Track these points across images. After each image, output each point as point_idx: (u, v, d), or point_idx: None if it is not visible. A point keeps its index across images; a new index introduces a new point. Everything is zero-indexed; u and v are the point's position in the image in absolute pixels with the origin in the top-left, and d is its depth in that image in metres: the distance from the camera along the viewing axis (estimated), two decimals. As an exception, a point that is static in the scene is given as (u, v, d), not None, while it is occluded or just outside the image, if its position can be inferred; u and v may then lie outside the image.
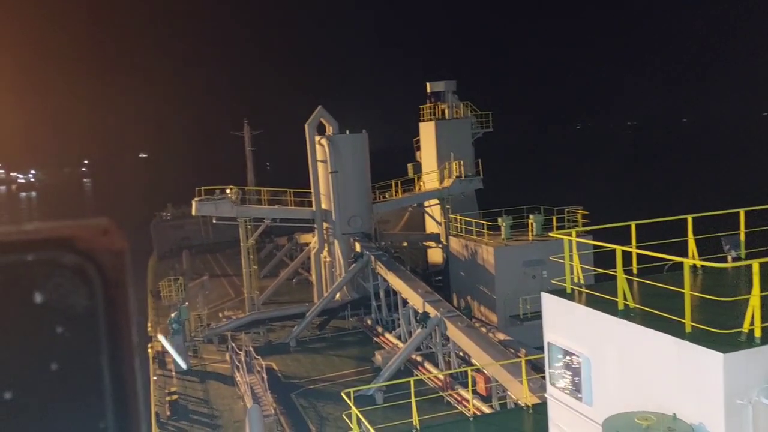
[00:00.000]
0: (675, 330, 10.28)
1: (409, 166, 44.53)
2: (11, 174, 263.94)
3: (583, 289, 12.87)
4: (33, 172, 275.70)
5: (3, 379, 0.61)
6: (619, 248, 12.04)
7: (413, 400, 16.91)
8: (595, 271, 16.46)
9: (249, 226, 38.87)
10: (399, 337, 30.67)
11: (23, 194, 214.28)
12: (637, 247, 12.73)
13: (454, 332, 25.30)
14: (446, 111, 42.47)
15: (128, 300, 0.67)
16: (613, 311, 11.68)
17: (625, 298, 11.74)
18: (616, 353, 11.67)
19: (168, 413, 25.61)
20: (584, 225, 30.54)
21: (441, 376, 25.38)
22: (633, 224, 13.55)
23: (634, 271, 13.33)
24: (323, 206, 37.79)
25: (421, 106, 43.04)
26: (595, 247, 17.03)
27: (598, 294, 12.40)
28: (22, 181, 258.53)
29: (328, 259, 37.74)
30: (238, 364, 27.89)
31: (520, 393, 18.68)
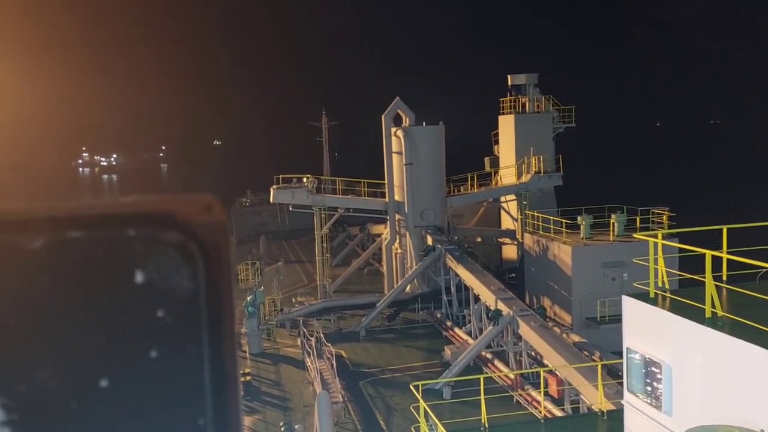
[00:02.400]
0: (767, 341, 9.67)
1: (486, 159, 43.92)
2: (95, 157, 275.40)
3: (668, 294, 12.31)
4: (114, 155, 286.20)
5: (99, 366, 0.57)
6: (709, 252, 11.43)
7: (482, 397, 16.67)
8: (680, 275, 15.72)
9: (323, 215, 39.36)
10: (469, 333, 30.37)
11: (105, 177, 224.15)
12: (728, 253, 12.05)
13: (526, 331, 24.81)
14: (527, 104, 41.60)
15: (231, 284, 0.62)
16: (700, 319, 11.11)
17: (713, 306, 11.15)
18: (700, 362, 11.10)
19: (241, 393, 26.27)
20: (669, 227, 29.29)
21: (511, 375, 24.96)
22: (724, 228, 12.84)
23: (724, 277, 12.63)
24: (396, 198, 37.79)
25: (501, 99, 42.33)
26: (681, 250, 16.28)
27: (684, 300, 11.82)
28: (105, 164, 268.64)
29: (399, 251, 37.76)
30: (308, 349, 28.33)
31: (595, 398, 18.12)
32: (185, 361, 0.60)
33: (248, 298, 32.14)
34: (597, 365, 18.95)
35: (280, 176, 38.72)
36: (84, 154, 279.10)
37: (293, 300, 37.82)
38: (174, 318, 0.59)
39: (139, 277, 0.58)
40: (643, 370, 12.12)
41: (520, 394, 23.82)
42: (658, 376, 11.73)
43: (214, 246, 0.60)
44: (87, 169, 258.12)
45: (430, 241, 35.53)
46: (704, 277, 11.39)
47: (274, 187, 38.26)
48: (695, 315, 11.18)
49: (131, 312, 0.58)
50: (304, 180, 38.70)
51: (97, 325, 0.57)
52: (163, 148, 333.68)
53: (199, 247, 0.60)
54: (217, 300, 0.60)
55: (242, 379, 27.08)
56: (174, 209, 0.60)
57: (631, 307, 12.53)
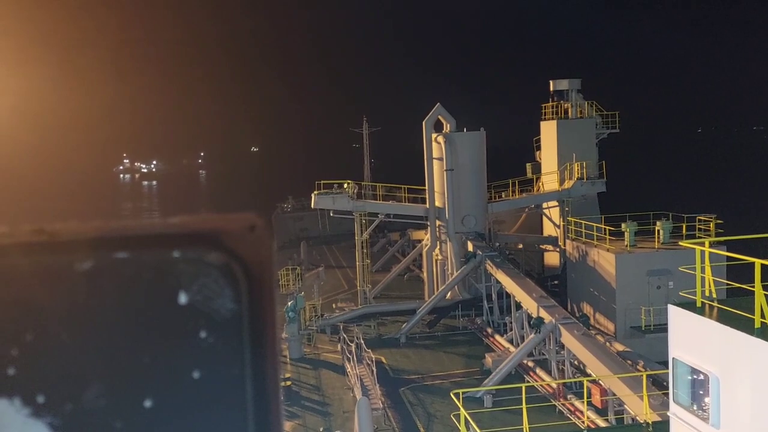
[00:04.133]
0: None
1: (528, 165, 43.52)
2: (135, 164, 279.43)
3: (716, 304, 12.02)
4: (154, 162, 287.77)
5: (143, 386, 0.58)
6: (758, 261, 11.13)
7: (524, 406, 16.50)
8: (728, 284, 15.33)
9: (364, 221, 39.53)
10: (510, 341, 30.09)
11: (145, 183, 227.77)
12: (780, 262, 11.71)
13: (569, 340, 24.46)
14: (569, 110, 41.11)
15: (273, 305, 0.63)
16: (749, 329, 10.82)
17: (763, 316, 10.85)
18: (749, 374, 10.81)
19: (281, 398, 26.53)
20: (717, 234, 28.55)
21: (554, 384, 24.63)
22: (775, 236, 12.48)
23: (774, 287, 12.27)
24: (437, 204, 37.73)
25: (543, 105, 41.94)
26: (729, 259, 15.88)
27: (732, 310, 11.53)
28: (145, 170, 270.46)
29: (440, 257, 37.66)
30: (348, 355, 28.44)
31: (640, 409, 17.76)
32: (228, 382, 0.60)
33: (289, 304, 32.45)
34: (642, 375, 18.58)
35: (321, 182, 39.04)
36: (125, 161, 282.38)
37: (333, 306, 38.03)
38: (217, 339, 0.59)
39: (183, 299, 0.59)
40: (690, 382, 11.86)
41: (563, 404, 23.47)
42: (706, 387, 11.45)
43: (257, 266, 0.61)
44: (128, 176, 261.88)
45: (470, 247, 35.35)
46: (753, 287, 11.10)
47: (315, 192, 38.59)
48: (744, 325, 10.90)
49: (175, 333, 0.59)
50: (345, 186, 38.94)
51: (143, 345, 0.58)
52: (202, 154, 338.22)
53: (242, 267, 0.60)
54: (259, 321, 0.61)
55: (282, 384, 27.34)
56: (219, 228, 0.61)
57: (677, 317, 12.27)
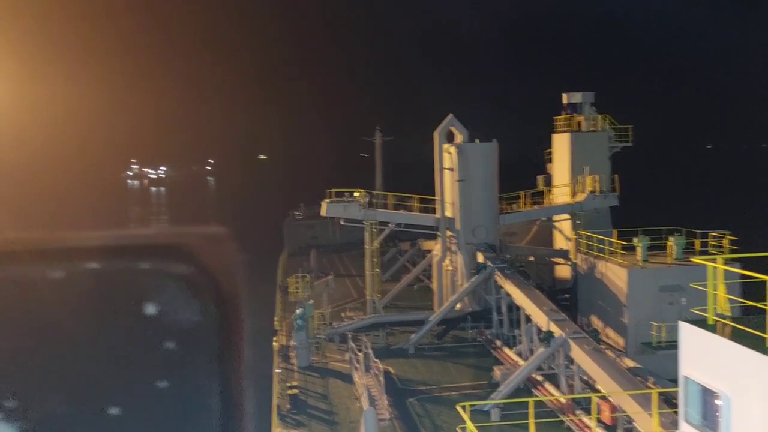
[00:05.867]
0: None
1: (540, 178, 43.34)
2: (143, 170, 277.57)
3: (728, 322, 11.87)
4: (163, 168, 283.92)
5: (109, 394, 0.58)
6: (772, 280, 10.98)
7: (532, 420, 16.34)
8: (742, 302, 15.14)
9: (374, 230, 39.47)
10: (519, 354, 29.87)
11: (153, 189, 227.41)
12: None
13: (579, 355, 24.24)
14: (582, 123, 40.96)
15: (240, 318, 0.62)
16: (762, 348, 10.67)
17: (777, 335, 10.68)
18: (762, 394, 10.63)
19: (288, 406, 26.47)
20: (731, 251, 28.27)
21: (562, 399, 24.39)
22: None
23: (789, 306, 12.09)
24: (448, 214, 37.63)
25: (555, 117, 41.82)
26: (743, 276, 15.69)
27: (745, 328, 11.37)
28: (153, 176, 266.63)
29: (450, 268, 37.52)
30: (356, 364, 28.33)
31: (649, 427, 17.54)
32: (194, 392, 0.60)
33: (297, 311, 32.40)
34: (652, 392, 18.37)
35: (333, 190, 39.06)
36: (133, 166, 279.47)
37: (342, 314, 37.95)
38: (184, 350, 0.59)
39: (151, 310, 0.59)
40: (701, 400, 11.69)
41: (571, 419, 23.24)
42: (717, 406, 11.29)
43: (225, 278, 0.61)
44: (136, 182, 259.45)
45: (481, 258, 35.21)
46: (766, 305, 10.95)
47: (326, 200, 38.60)
48: (757, 344, 10.75)
49: (142, 343, 0.59)
50: (356, 194, 38.92)
51: (109, 354, 0.58)
52: (211, 161, 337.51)
53: (209, 279, 0.60)
54: (226, 332, 0.61)
55: (288, 392, 27.25)
56: (188, 243, 0.61)
57: (688, 334, 12.13)
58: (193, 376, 0.61)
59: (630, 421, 20.42)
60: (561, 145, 41.15)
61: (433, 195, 38.67)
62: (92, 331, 0.58)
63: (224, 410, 0.62)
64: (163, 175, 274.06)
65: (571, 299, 36.54)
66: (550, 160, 42.76)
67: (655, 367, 24.84)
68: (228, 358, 0.61)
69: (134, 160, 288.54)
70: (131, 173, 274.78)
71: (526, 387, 26.18)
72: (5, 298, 0.57)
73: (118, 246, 0.60)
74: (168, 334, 0.60)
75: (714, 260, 12.69)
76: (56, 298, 0.58)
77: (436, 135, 38.03)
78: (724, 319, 11.97)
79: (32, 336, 0.57)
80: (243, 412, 0.63)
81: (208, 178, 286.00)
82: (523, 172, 48.81)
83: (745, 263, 18.10)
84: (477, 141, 37.77)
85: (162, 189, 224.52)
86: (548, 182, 42.14)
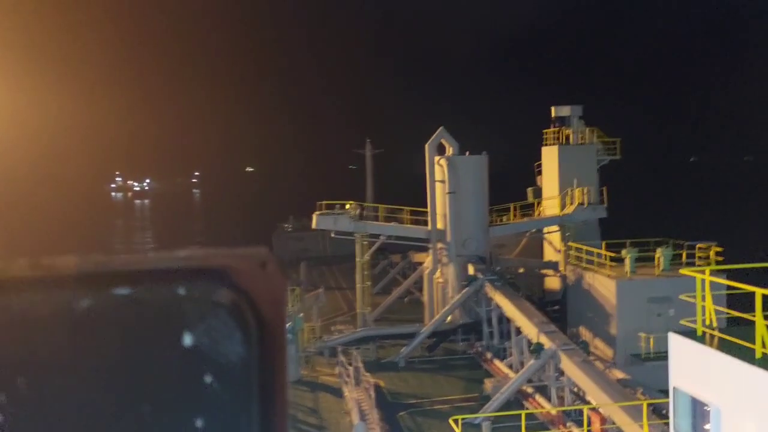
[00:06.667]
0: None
1: (529, 190, 43.59)
2: (128, 182, 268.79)
3: (716, 333, 11.97)
4: (147, 180, 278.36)
5: None
6: (759, 291, 11.11)
7: (523, 433, 16.35)
8: (729, 313, 15.28)
9: (365, 242, 39.47)
10: (510, 366, 29.90)
11: (137, 202, 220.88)
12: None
13: (569, 366, 24.31)
14: (571, 136, 41.31)
15: (284, 348, 0.58)
16: (750, 359, 10.77)
17: (764, 346, 10.79)
18: (751, 405, 10.72)
19: None
20: (717, 263, 28.52)
21: (553, 412, 24.42)
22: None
23: (776, 317, 12.22)
24: (439, 226, 37.72)
25: (544, 131, 42.15)
26: (729, 287, 15.84)
27: (733, 339, 11.47)
28: (138, 189, 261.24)
29: (440, 281, 37.56)
30: (347, 378, 28.24)
31: (639, 437, 17.59)
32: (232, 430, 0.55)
33: (287, 324, 32.28)
34: (642, 404, 18.45)
35: (323, 202, 39.07)
36: (117, 179, 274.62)
37: (332, 328, 37.84)
38: (223, 385, 0.54)
39: (188, 340, 0.55)
40: (691, 411, 11.76)
41: (562, 431, 23.26)
42: (707, 418, 11.37)
43: (268, 305, 0.56)
44: (120, 194, 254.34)
45: (471, 270, 35.29)
46: (754, 316, 11.06)
47: (317, 213, 38.60)
48: (745, 355, 10.85)
49: (179, 377, 0.54)
50: (347, 206, 38.95)
51: (144, 390, 0.54)
52: (197, 173, 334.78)
53: (252, 307, 0.55)
54: (269, 367, 0.56)
55: None
56: (228, 265, 0.56)
57: (678, 345, 12.22)
58: (233, 414, 0.55)
59: (620, 432, 20.48)
60: (550, 157, 41.46)
61: (424, 207, 38.78)
62: (125, 364, 0.54)
63: None
64: (147, 188, 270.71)
65: (560, 311, 36.66)
66: (539, 173, 43.04)
67: (643, 378, 24.96)
68: (271, 392, 0.57)
69: (118, 172, 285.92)
70: (115, 185, 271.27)
71: (517, 399, 26.19)
72: (24, 328, 0.53)
73: (149, 270, 0.55)
74: (208, 367, 0.55)
75: (702, 272, 12.82)
76: (84, 328, 0.54)
77: (427, 147, 38.21)
78: (712, 330, 12.07)
79: (57, 371, 0.53)
80: None
81: (194, 190, 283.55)
82: (514, 184, 49.04)
83: (730, 274, 18.29)
84: (467, 153, 37.98)
85: (146, 202, 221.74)
86: (538, 194, 42.40)
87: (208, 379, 0.54)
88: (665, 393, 13.17)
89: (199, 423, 0.53)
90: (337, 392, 29.08)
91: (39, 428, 0.53)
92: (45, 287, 0.54)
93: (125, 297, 0.54)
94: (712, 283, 12.64)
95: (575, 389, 25.02)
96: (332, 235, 40.41)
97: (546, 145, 41.97)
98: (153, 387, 0.54)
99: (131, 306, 0.54)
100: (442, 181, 37.32)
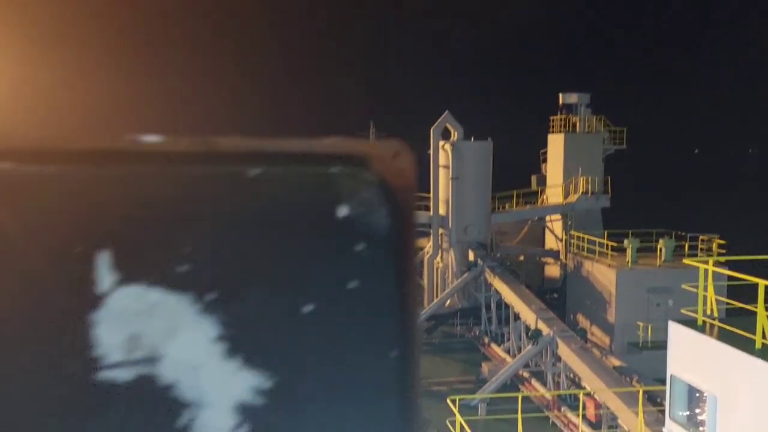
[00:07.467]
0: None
1: (533, 177, 43.58)
2: None
3: (716, 323, 12.07)
4: None
5: (302, 295, 0.58)
6: (762, 282, 11.18)
7: (519, 416, 16.54)
8: (730, 304, 15.38)
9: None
10: (507, 351, 30.11)
11: None
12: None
13: (566, 353, 24.49)
14: (577, 124, 41.21)
15: (413, 229, 0.62)
16: (750, 349, 10.87)
17: (765, 336, 10.89)
18: (748, 394, 10.84)
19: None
20: (719, 255, 28.61)
21: (549, 396, 24.65)
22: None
23: (776, 308, 12.32)
24: (441, 212, 37.77)
25: (551, 117, 42.03)
26: (729, 278, 15.93)
27: (733, 329, 11.57)
28: None
29: (441, 266, 37.69)
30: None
31: (633, 424, 17.78)
32: (378, 294, 0.60)
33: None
34: (638, 390, 18.62)
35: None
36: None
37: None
38: (371, 252, 0.59)
39: (342, 211, 0.59)
40: (688, 399, 11.90)
41: (557, 416, 23.49)
42: (703, 405, 11.49)
43: (399, 192, 0.61)
44: None
45: (472, 256, 35.40)
46: (755, 307, 11.15)
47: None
48: (745, 345, 10.95)
49: (333, 246, 0.59)
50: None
51: (302, 257, 0.58)
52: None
53: (386, 191, 0.60)
54: (400, 241, 0.60)
55: None
56: (368, 152, 0.61)
57: (677, 334, 12.32)
58: (377, 278, 0.60)
59: (614, 418, 20.69)
60: (555, 145, 41.40)
61: (427, 192, 38.79)
62: (286, 232, 0.58)
63: (402, 312, 0.61)
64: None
65: (559, 298, 36.85)
66: (544, 160, 43.00)
67: (640, 367, 25.13)
68: (405, 265, 0.61)
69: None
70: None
71: (513, 383, 26.41)
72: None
73: (301, 152, 0.60)
74: (358, 236, 0.59)
75: (705, 262, 12.89)
76: (251, 195, 0.58)
77: (432, 132, 38.14)
78: (712, 320, 12.17)
79: (235, 230, 0.57)
80: (415, 316, 0.63)
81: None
82: (518, 170, 49.02)
83: (732, 265, 18.38)
84: (472, 139, 37.90)
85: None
86: (542, 182, 42.39)
87: (359, 246, 0.59)
88: (661, 381, 13.32)
89: (351, 284, 0.59)
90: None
91: (214, 277, 0.58)
92: (212, 161, 0.58)
93: (286, 172, 0.59)
94: (714, 274, 12.71)
95: (571, 375, 25.23)
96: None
97: (552, 131, 41.87)
98: (312, 253, 0.58)
99: (288, 181, 0.59)
100: (447, 167, 37.29)
